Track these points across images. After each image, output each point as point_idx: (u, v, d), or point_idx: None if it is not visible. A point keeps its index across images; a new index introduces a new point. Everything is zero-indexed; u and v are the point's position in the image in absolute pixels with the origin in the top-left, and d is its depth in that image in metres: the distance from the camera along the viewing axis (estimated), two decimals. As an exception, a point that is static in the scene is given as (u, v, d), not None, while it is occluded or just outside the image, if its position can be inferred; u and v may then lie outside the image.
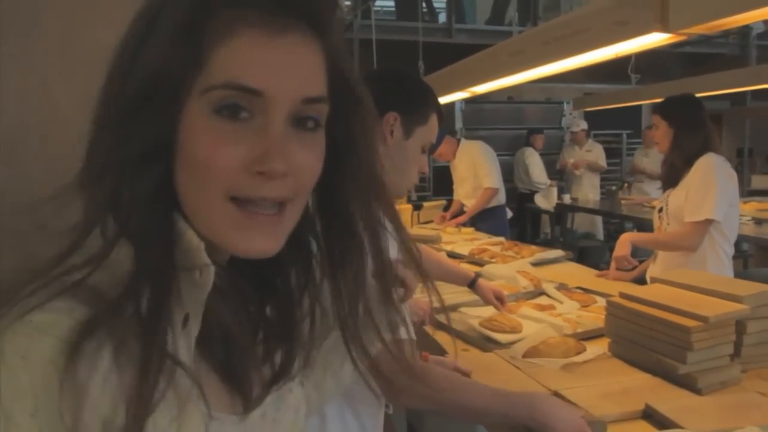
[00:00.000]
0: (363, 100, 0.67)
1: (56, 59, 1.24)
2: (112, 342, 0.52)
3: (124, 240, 0.55)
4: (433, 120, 1.51)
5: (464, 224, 4.64)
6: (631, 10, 1.56)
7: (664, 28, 1.48)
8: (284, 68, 0.56)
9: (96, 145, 0.57)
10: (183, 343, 0.57)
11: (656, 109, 2.80)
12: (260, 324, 0.68)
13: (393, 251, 1.05)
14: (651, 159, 6.72)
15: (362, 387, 1.24)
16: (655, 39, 1.58)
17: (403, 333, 1.21)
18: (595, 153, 7.21)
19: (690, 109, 2.74)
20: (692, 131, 2.67)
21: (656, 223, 2.90)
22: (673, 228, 2.73)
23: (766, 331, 1.65)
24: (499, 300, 2.17)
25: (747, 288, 1.68)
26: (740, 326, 1.61)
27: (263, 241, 0.58)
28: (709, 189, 2.57)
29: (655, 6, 1.48)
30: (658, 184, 6.93)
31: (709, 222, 2.56)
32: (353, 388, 1.24)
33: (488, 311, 2.15)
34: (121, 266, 0.54)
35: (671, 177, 2.76)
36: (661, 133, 2.74)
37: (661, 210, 2.86)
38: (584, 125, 7.27)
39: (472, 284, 2.19)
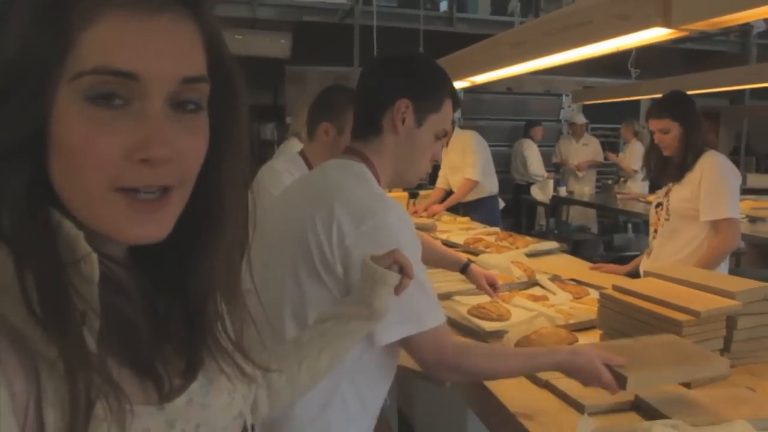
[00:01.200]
0: (238, 80, 0.64)
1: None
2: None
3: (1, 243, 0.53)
4: (447, 106, 1.45)
5: (458, 213, 4.64)
6: (633, 3, 1.57)
7: (666, 23, 1.49)
8: (159, 48, 0.54)
9: None
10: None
11: (664, 112, 2.72)
12: (168, 315, 0.65)
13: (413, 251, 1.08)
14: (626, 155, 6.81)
15: (366, 370, 1.27)
16: (656, 34, 1.58)
17: (431, 320, 1.24)
18: (592, 147, 7.21)
19: (691, 104, 2.74)
20: (699, 127, 2.68)
21: (653, 218, 2.89)
22: (673, 224, 2.72)
23: (757, 327, 1.67)
24: (492, 286, 2.16)
25: (739, 284, 1.70)
26: (731, 322, 1.63)
27: (148, 226, 0.57)
28: (723, 187, 2.59)
29: (658, 1, 1.48)
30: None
31: (733, 220, 2.58)
32: (357, 371, 1.26)
33: (481, 300, 2.16)
34: (5, 269, 0.52)
35: (676, 173, 2.73)
36: (673, 135, 2.70)
37: (659, 205, 2.85)
38: (584, 119, 7.27)
39: (464, 269, 2.19)
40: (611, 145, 8.49)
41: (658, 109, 2.76)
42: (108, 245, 0.59)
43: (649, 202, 5.56)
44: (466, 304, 2.13)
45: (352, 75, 6.14)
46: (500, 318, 1.95)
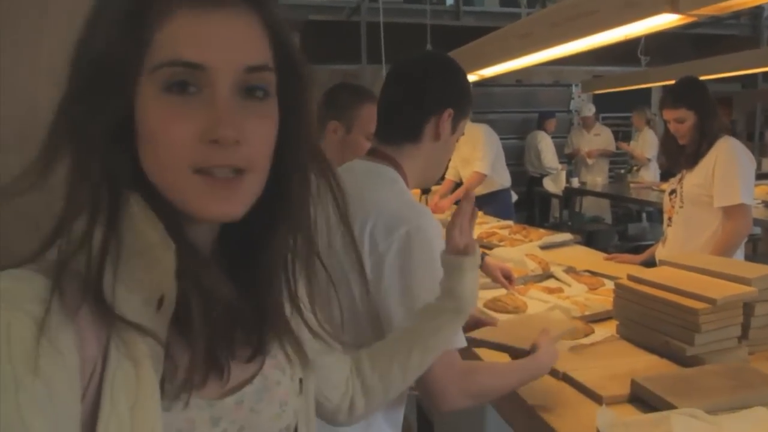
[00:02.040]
0: (304, 70, 0.68)
1: (65, 50, 1.26)
2: (75, 317, 0.55)
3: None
4: (470, 110, 1.47)
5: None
6: (640, -9, 1.56)
7: (674, 9, 1.47)
8: (222, 40, 0.59)
9: (56, 129, 0.59)
10: (157, 323, 0.58)
11: (678, 102, 2.66)
12: (240, 307, 0.68)
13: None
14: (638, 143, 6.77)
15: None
16: (664, 20, 1.57)
17: (457, 342, 1.22)
18: (604, 137, 7.16)
19: (705, 90, 2.69)
20: (714, 113, 2.65)
21: (666, 205, 2.87)
22: (687, 211, 2.70)
23: (774, 313, 1.66)
24: (507, 278, 2.15)
25: (755, 270, 1.69)
26: (748, 308, 1.62)
27: (224, 204, 0.61)
28: (737, 173, 2.55)
29: (665, -13, 1.47)
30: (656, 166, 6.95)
31: (745, 206, 2.56)
32: None
33: (497, 293, 2.16)
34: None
35: (690, 160, 2.69)
36: (688, 124, 2.66)
37: (672, 192, 2.82)
38: (593, 109, 7.22)
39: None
40: (623, 134, 8.44)
41: (672, 98, 2.70)
42: (193, 234, 0.64)
43: (663, 191, 5.56)
44: (481, 297, 2.13)
45: (360, 72, 6.15)
46: (516, 310, 1.96)
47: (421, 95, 1.38)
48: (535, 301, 2.08)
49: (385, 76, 1.44)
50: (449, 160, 1.49)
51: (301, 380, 0.77)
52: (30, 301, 0.52)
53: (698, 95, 2.66)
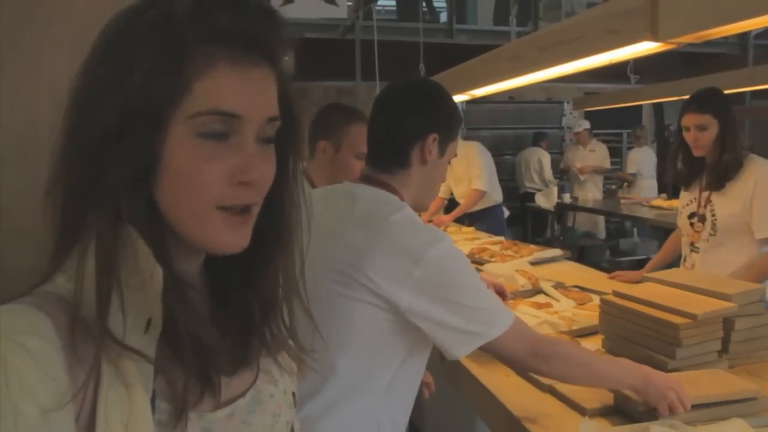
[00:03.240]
0: (298, 117, 0.76)
1: (66, 66, 1.29)
2: (66, 342, 0.58)
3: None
4: (458, 133, 1.53)
5: (464, 223, 4.70)
6: (622, 19, 1.62)
7: (654, 38, 1.53)
8: (255, 95, 0.66)
9: (70, 172, 0.63)
10: (145, 345, 0.62)
11: (705, 107, 2.48)
12: (231, 326, 0.73)
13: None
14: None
15: (398, 391, 1.33)
16: (645, 47, 1.63)
17: (500, 325, 1.29)
18: (599, 153, 7.23)
19: (729, 103, 2.54)
20: (735, 127, 2.49)
21: (687, 229, 2.65)
22: (721, 239, 2.49)
23: (754, 328, 1.72)
24: (501, 295, 2.10)
25: (735, 287, 1.75)
26: (728, 323, 1.68)
27: (238, 237, 0.68)
28: None
29: (645, 16, 1.54)
30: (648, 183, 7.03)
31: None
32: (390, 392, 1.32)
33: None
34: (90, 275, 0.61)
35: (718, 180, 2.49)
36: (710, 134, 2.46)
37: (694, 216, 2.60)
38: (586, 125, 7.29)
39: None
40: (614, 150, 8.54)
41: (698, 103, 2.51)
42: (183, 262, 0.70)
43: (656, 207, 5.65)
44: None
45: (354, 89, 6.22)
46: None
47: (403, 123, 1.44)
48: (527, 316, 2.10)
49: (372, 106, 1.51)
50: (442, 182, 1.54)
51: (293, 393, 0.81)
52: (24, 333, 0.56)
53: (724, 106, 2.51)
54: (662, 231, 6.15)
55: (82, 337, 0.59)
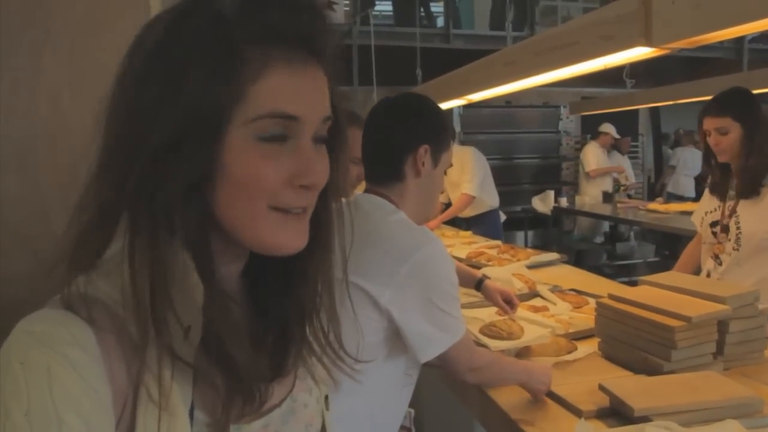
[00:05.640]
0: (343, 117, 0.73)
1: (65, 71, 1.30)
2: (107, 351, 0.58)
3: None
4: (451, 143, 1.56)
5: (461, 228, 4.71)
6: (616, 25, 1.64)
7: (648, 43, 1.56)
8: (311, 95, 0.65)
9: (119, 184, 0.60)
10: (184, 353, 0.61)
11: (725, 110, 2.34)
12: (266, 335, 0.72)
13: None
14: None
15: (381, 392, 1.35)
16: (639, 53, 1.65)
17: (460, 330, 1.38)
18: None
19: (756, 104, 2.37)
20: (765, 129, 2.31)
21: (708, 238, 2.50)
22: (746, 254, 2.33)
23: (748, 330, 1.73)
24: (508, 302, 2.11)
25: (729, 289, 1.76)
26: (723, 326, 1.69)
27: (296, 237, 0.66)
28: None
29: (639, 22, 1.56)
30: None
31: None
32: (374, 393, 1.35)
33: (486, 312, 2.22)
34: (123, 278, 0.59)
35: (748, 187, 2.32)
36: (732, 138, 2.32)
37: (716, 224, 2.46)
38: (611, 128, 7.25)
39: (478, 286, 2.18)
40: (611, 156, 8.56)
41: (717, 105, 2.37)
42: (225, 266, 0.68)
43: (653, 211, 5.65)
44: (472, 317, 2.16)
45: (352, 94, 6.24)
46: (510, 336, 1.90)
47: (394, 136, 1.48)
48: (534, 326, 2.01)
49: (364, 125, 1.55)
50: (441, 191, 1.57)
51: (327, 397, 0.81)
52: (67, 344, 0.56)
53: (748, 106, 2.34)
54: (659, 235, 6.18)
55: (118, 340, 0.59)
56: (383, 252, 1.33)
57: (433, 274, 1.34)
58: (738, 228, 2.35)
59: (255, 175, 0.62)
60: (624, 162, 7.35)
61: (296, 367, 0.75)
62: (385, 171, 1.48)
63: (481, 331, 1.95)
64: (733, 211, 2.37)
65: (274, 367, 0.71)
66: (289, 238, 0.66)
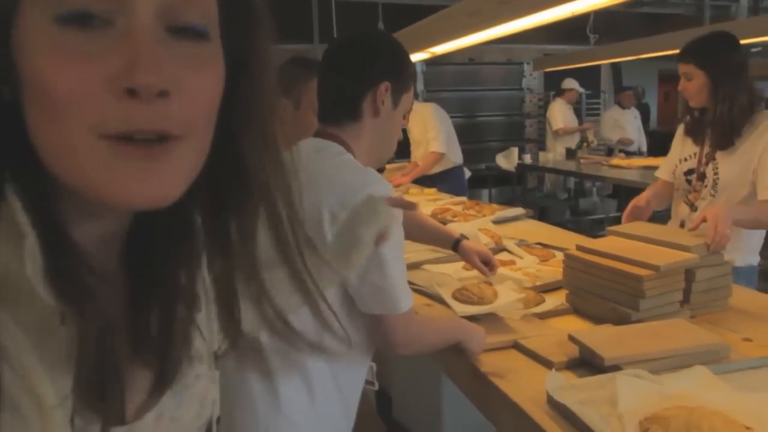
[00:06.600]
0: (259, 7, 0.53)
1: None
2: None
3: None
4: (412, 85, 1.49)
5: (426, 185, 4.68)
6: (584, -33, 1.59)
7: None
8: None
9: None
10: (69, 343, 0.46)
11: (686, 55, 2.30)
12: (145, 321, 0.55)
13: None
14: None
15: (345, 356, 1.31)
16: (608, -3, 1.61)
17: (406, 304, 1.30)
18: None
19: (728, 49, 2.29)
20: (735, 78, 2.22)
21: (682, 185, 2.44)
22: (722, 200, 2.26)
23: (714, 278, 1.74)
24: (487, 264, 1.94)
25: (695, 239, 1.76)
26: (690, 274, 1.69)
27: (146, 181, 0.44)
28: None
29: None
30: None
31: None
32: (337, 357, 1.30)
33: (451, 268, 2.20)
34: None
35: (722, 136, 2.26)
36: (696, 84, 2.27)
37: (691, 172, 2.39)
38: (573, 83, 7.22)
39: (455, 246, 1.98)
40: (576, 111, 8.57)
41: (684, 50, 2.33)
42: (91, 225, 0.49)
43: (615, 166, 5.70)
44: (446, 274, 2.12)
45: (312, 52, 6.10)
46: (480, 301, 1.76)
47: (354, 71, 1.39)
48: (508, 290, 1.86)
49: (321, 61, 1.45)
50: (398, 136, 1.49)
51: (215, 353, 0.65)
52: None
53: (715, 54, 2.27)
54: (622, 189, 6.24)
55: None
56: (325, 195, 1.22)
57: None
58: (716, 174, 2.31)
59: (51, 77, 0.41)
60: (628, 118, 7.27)
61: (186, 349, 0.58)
62: (341, 109, 1.40)
63: (454, 295, 1.83)
64: (711, 158, 2.33)
65: (159, 367, 0.55)
66: (137, 183, 0.44)
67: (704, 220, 1.83)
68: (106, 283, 0.48)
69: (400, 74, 1.42)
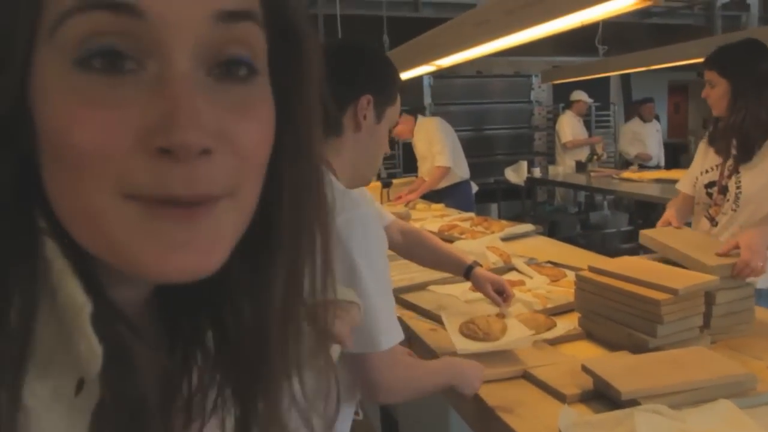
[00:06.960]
0: (304, 30, 0.46)
1: None
2: None
3: None
4: (398, 98, 1.41)
5: (433, 200, 4.60)
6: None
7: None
8: None
9: None
10: (75, 416, 0.38)
11: (710, 63, 2.24)
12: (181, 386, 0.49)
13: None
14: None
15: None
16: (620, 4, 1.53)
17: (391, 339, 1.20)
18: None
19: (748, 61, 2.19)
20: (756, 88, 2.13)
21: (703, 198, 2.35)
22: (743, 216, 2.18)
23: (735, 301, 1.65)
24: (501, 294, 1.76)
25: (718, 259, 1.67)
26: (709, 297, 1.60)
27: (184, 253, 0.37)
28: None
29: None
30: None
31: None
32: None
33: (458, 289, 2.11)
34: None
35: (741, 150, 2.18)
36: (718, 92, 2.20)
37: (712, 185, 2.31)
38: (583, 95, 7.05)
39: (467, 273, 1.79)
40: (585, 124, 8.48)
41: (709, 57, 2.26)
42: (119, 290, 0.42)
43: (627, 179, 5.59)
44: (453, 296, 2.04)
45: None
46: (486, 337, 1.61)
47: (333, 85, 1.31)
48: (519, 326, 1.68)
49: None
50: (385, 151, 1.41)
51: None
52: None
53: (737, 64, 2.19)
54: (632, 203, 6.15)
55: None
56: None
57: (356, 244, 1.14)
58: (738, 188, 2.22)
59: (69, 132, 0.34)
60: (650, 131, 7.02)
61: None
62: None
63: (461, 329, 1.68)
64: (735, 171, 2.23)
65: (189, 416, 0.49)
66: (167, 251, 0.36)
67: (737, 247, 1.73)
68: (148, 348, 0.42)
69: (384, 86, 1.35)
